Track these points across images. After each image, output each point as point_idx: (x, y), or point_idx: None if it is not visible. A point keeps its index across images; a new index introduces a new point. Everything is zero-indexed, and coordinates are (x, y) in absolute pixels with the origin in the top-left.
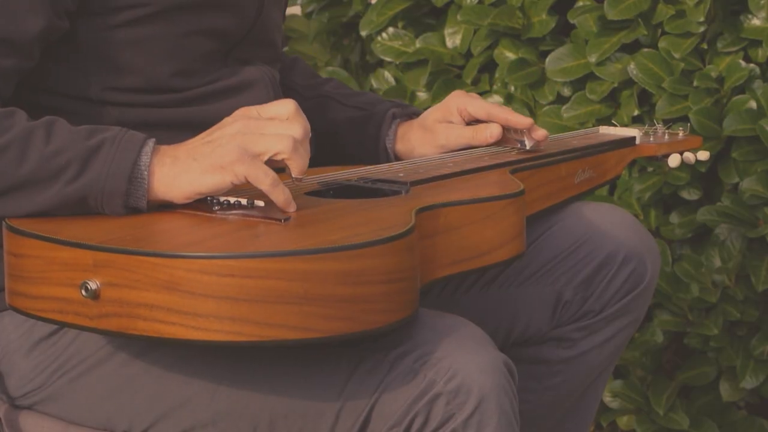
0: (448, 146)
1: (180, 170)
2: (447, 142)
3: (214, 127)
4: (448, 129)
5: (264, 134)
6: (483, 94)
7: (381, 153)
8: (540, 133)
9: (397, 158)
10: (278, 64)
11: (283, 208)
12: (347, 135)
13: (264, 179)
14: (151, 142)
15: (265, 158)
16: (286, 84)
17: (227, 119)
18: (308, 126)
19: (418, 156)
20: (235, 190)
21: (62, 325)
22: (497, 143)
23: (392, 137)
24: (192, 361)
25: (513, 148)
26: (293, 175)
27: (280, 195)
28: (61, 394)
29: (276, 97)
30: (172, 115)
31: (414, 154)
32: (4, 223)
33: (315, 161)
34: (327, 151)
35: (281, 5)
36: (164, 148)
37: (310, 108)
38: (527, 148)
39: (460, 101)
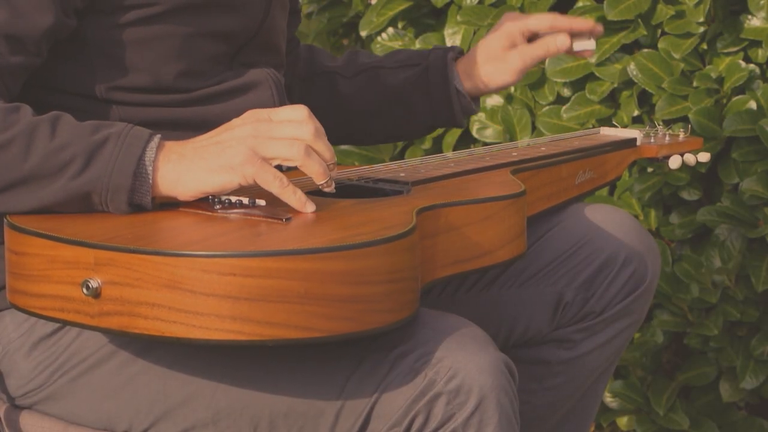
0: (526, 69)
1: (186, 168)
2: (524, 65)
3: (222, 128)
4: (522, 53)
5: (275, 138)
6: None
7: (453, 98)
8: (598, 29)
9: (471, 96)
10: (282, 69)
11: (299, 209)
12: (412, 94)
13: (273, 182)
14: (156, 138)
15: (275, 163)
16: (319, 71)
17: (236, 120)
18: (321, 128)
19: (493, 87)
20: (239, 189)
21: (63, 323)
22: None
23: (458, 78)
24: (193, 360)
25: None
26: (316, 182)
27: (292, 196)
28: (61, 394)
29: (280, 98)
30: (177, 115)
31: (491, 86)
32: (5, 220)
33: (378, 135)
34: (393, 118)
35: (286, 12)
36: (170, 144)
37: (361, 83)
38: (592, 45)
39: (520, 23)
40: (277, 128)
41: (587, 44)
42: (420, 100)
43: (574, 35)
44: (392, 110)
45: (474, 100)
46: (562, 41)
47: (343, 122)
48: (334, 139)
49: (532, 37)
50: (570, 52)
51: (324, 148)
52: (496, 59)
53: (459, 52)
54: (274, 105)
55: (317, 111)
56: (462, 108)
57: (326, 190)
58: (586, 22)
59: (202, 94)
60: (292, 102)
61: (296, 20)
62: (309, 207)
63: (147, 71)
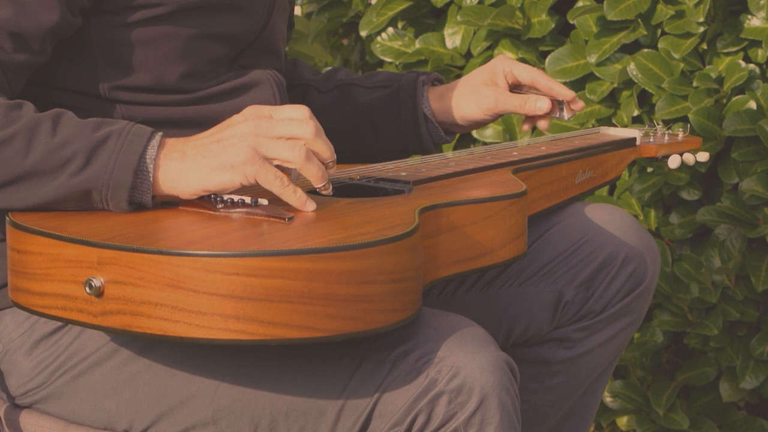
0: (495, 110)
1: (187, 166)
2: (495, 106)
3: (223, 125)
4: (497, 93)
5: (276, 137)
6: None
7: (420, 120)
8: (579, 105)
9: (437, 121)
10: (283, 72)
11: (300, 209)
12: (380, 114)
13: (273, 181)
14: (158, 136)
15: (276, 163)
16: (296, 83)
17: (237, 117)
18: (321, 127)
19: (458, 116)
20: (240, 189)
21: (66, 322)
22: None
23: (427, 103)
24: (194, 359)
25: (551, 116)
26: (314, 185)
27: (293, 195)
28: (62, 393)
29: (281, 97)
30: (180, 114)
31: (455, 113)
32: (7, 218)
33: (346, 152)
34: (361, 137)
35: (286, 16)
36: (171, 141)
37: (332, 99)
38: (565, 118)
39: (507, 64)
40: (278, 126)
41: (563, 115)
42: (388, 121)
43: (556, 102)
44: (361, 129)
45: (448, 132)
46: (541, 104)
47: None
48: None
49: (514, 88)
50: (534, 118)
51: (324, 146)
52: (471, 92)
53: (435, 79)
54: (275, 103)
55: None
56: (431, 134)
57: (323, 193)
58: (566, 93)
59: (204, 94)
60: None
61: (288, 34)
62: (309, 206)
63: (150, 71)
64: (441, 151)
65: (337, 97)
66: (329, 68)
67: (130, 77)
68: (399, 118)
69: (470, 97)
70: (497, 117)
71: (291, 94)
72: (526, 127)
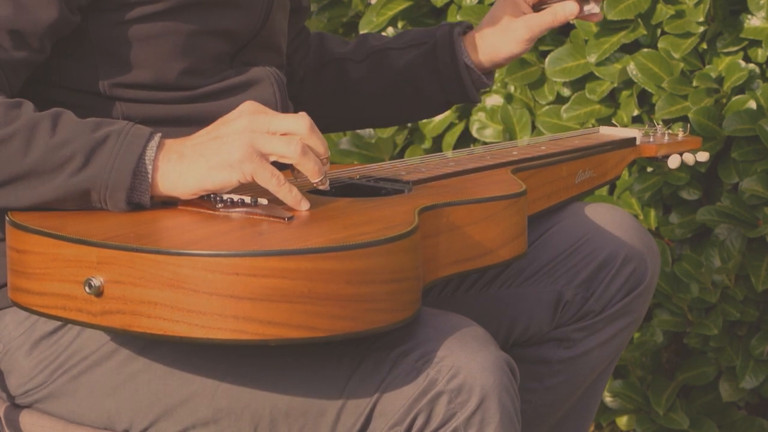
0: (532, 36)
1: (186, 166)
2: (530, 32)
3: (220, 121)
4: (528, 21)
5: (272, 132)
6: (482, 94)
7: (463, 73)
8: None
9: (480, 69)
10: (283, 69)
11: (294, 207)
12: (421, 73)
13: (270, 179)
14: (156, 137)
15: (272, 159)
16: (328, 59)
17: (232, 113)
18: (314, 124)
19: (498, 57)
20: (239, 187)
21: (65, 321)
22: None
23: (465, 52)
24: (194, 359)
25: (583, 14)
26: (311, 180)
27: (288, 194)
28: (62, 392)
29: (281, 96)
30: (180, 112)
31: (494, 55)
32: (6, 218)
33: (392, 115)
34: (404, 99)
35: (287, 13)
36: (170, 142)
37: (369, 67)
38: (597, 10)
39: None
40: (274, 121)
41: (593, 8)
42: (429, 78)
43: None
44: (403, 91)
45: (487, 75)
46: (570, 8)
47: (357, 107)
48: (349, 125)
49: (538, 5)
50: (577, 18)
51: (318, 142)
52: (502, 29)
53: (467, 27)
54: (275, 102)
55: (330, 98)
56: (474, 82)
57: (321, 188)
58: None
59: (205, 91)
60: (302, 95)
61: (303, 14)
62: (304, 205)
63: (150, 68)
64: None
65: (374, 64)
66: (358, 36)
67: (130, 74)
68: (439, 74)
69: (504, 35)
70: (534, 42)
71: (327, 71)
72: (585, 18)
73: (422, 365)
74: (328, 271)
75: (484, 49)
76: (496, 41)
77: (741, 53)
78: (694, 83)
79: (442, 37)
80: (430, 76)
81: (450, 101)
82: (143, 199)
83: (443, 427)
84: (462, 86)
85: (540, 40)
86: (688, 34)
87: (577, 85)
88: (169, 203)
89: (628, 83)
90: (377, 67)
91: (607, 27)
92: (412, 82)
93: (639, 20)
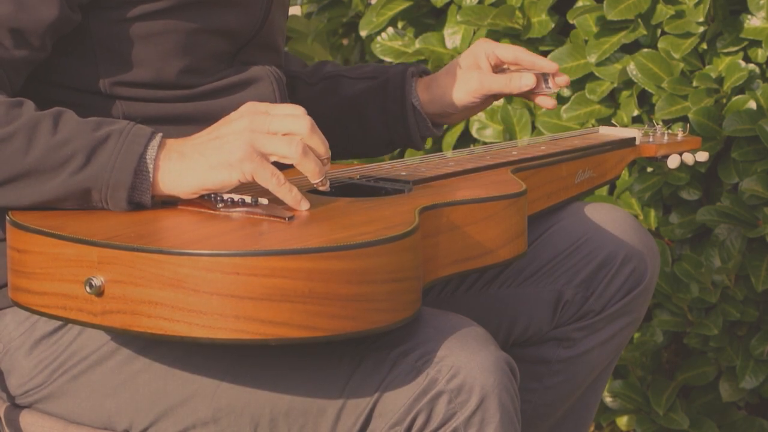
0: (482, 91)
1: (186, 166)
2: (480, 86)
3: (221, 122)
4: (483, 76)
5: (273, 133)
6: None
7: (408, 112)
8: (564, 78)
9: (425, 112)
10: (282, 68)
11: (294, 207)
12: (368, 106)
13: (270, 179)
14: (158, 137)
15: (273, 159)
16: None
17: (233, 114)
18: (316, 125)
19: (447, 103)
20: (239, 187)
21: (66, 321)
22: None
23: (415, 93)
24: (194, 359)
25: (538, 90)
26: (311, 181)
27: (288, 194)
28: (62, 392)
29: (281, 93)
30: (180, 110)
31: (444, 101)
32: (6, 218)
33: (333, 145)
34: (347, 129)
35: (286, 11)
36: (170, 142)
37: (320, 91)
38: (551, 90)
39: (488, 46)
40: (275, 121)
41: (549, 91)
42: (376, 113)
43: (541, 76)
44: (348, 121)
45: (436, 126)
46: (526, 80)
47: None
48: None
49: (498, 67)
50: (528, 96)
51: (319, 143)
52: (456, 77)
53: (423, 71)
54: (275, 100)
55: None
56: (419, 126)
57: (321, 188)
58: (550, 66)
59: (205, 90)
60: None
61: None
62: (304, 205)
63: (150, 66)
64: (426, 146)
65: (325, 89)
66: (317, 61)
67: (130, 73)
68: (386, 110)
69: (456, 83)
70: (485, 100)
71: None
72: (538, 100)
73: (422, 365)
74: (329, 270)
75: (434, 92)
76: (447, 87)
77: (741, 53)
78: (694, 83)
79: (395, 75)
80: (376, 110)
81: (393, 142)
82: (144, 199)
83: (443, 427)
84: (406, 126)
85: (540, 41)
86: (688, 34)
87: (577, 85)
88: (170, 203)
89: (628, 83)
90: (327, 92)
91: (607, 27)
92: (359, 114)
93: (639, 20)
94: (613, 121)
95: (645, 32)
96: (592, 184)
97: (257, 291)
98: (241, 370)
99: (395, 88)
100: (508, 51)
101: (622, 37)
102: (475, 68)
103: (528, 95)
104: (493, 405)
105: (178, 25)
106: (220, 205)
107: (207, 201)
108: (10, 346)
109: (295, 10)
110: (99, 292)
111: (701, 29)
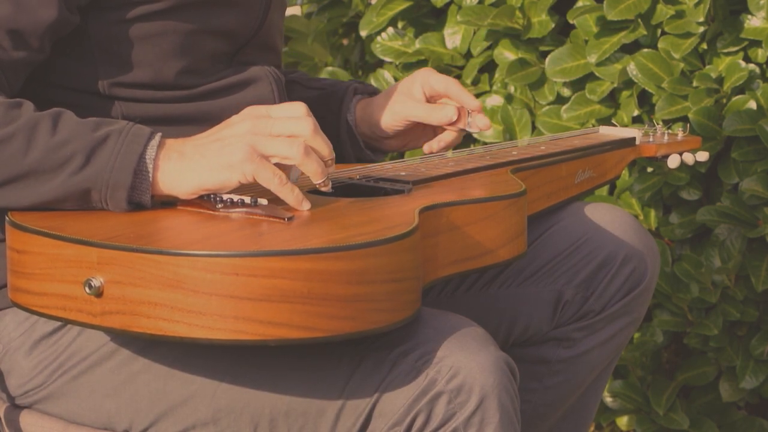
0: (403, 115)
1: (186, 166)
2: (402, 110)
3: (222, 125)
4: (408, 101)
5: (274, 135)
6: (483, 94)
7: (342, 126)
8: (484, 121)
9: (358, 130)
10: (281, 69)
11: (296, 207)
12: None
13: (272, 179)
14: (157, 136)
15: (275, 161)
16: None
17: (235, 117)
18: (318, 126)
19: (375, 124)
20: (239, 188)
21: (65, 322)
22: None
23: (353, 111)
24: (193, 359)
25: (458, 126)
26: (314, 181)
27: (290, 194)
28: (62, 393)
29: (280, 93)
30: (179, 111)
31: (372, 121)
32: (6, 218)
33: None
34: None
35: (284, 11)
36: (170, 142)
37: None
38: (471, 130)
39: (425, 76)
40: (276, 125)
41: (469, 130)
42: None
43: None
44: None
45: (372, 149)
46: (445, 113)
47: None
48: None
49: (431, 99)
50: (453, 125)
51: (322, 144)
52: (389, 99)
53: (372, 92)
54: (274, 100)
55: None
56: (351, 144)
57: (323, 189)
58: (472, 103)
59: (203, 90)
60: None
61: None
62: (305, 205)
63: (149, 67)
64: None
65: None
66: (293, 70)
67: (129, 74)
68: (323, 120)
69: (387, 106)
70: (410, 127)
71: None
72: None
73: (422, 365)
74: (328, 271)
75: (366, 111)
76: (378, 109)
77: (741, 53)
78: (694, 83)
79: (340, 89)
80: (318, 119)
81: None
82: (144, 199)
83: (443, 427)
84: (338, 142)
85: (540, 41)
86: (688, 35)
87: (577, 85)
88: (169, 203)
89: (628, 83)
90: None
91: (607, 27)
92: None
93: (639, 20)
94: (613, 121)
95: (645, 32)
96: (592, 184)
97: (256, 291)
98: (241, 371)
99: (335, 101)
100: (440, 82)
101: (622, 37)
102: (407, 95)
103: (451, 128)
104: (492, 405)
105: (177, 26)
106: (220, 205)
107: (206, 201)
108: (10, 347)
109: (295, 10)
110: (98, 293)
111: (701, 29)
